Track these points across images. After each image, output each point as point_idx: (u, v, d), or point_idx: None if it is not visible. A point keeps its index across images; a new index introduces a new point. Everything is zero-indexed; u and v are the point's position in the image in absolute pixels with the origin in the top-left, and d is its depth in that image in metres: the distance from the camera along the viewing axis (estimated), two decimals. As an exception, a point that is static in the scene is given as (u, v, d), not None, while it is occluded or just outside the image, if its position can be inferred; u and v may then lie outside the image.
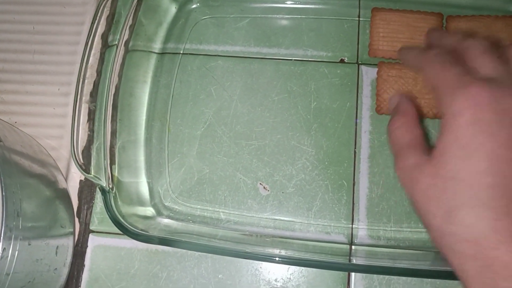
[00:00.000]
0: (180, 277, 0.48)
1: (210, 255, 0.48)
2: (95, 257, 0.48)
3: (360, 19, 0.53)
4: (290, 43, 0.52)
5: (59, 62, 0.55)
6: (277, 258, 0.43)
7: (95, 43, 0.48)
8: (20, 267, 0.38)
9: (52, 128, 0.52)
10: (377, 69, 0.50)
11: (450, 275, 0.42)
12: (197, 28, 0.54)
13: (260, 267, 0.47)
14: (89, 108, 0.47)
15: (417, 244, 0.47)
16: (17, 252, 0.38)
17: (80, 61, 0.45)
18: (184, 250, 0.48)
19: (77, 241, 0.49)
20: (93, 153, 0.45)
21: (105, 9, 0.48)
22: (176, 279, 0.48)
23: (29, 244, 0.39)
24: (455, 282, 0.45)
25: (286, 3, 0.53)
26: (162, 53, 0.52)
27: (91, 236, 0.49)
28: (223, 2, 0.54)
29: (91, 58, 0.48)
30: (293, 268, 0.47)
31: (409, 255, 0.47)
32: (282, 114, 0.51)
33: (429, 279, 0.46)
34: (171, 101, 0.52)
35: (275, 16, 0.53)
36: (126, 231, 0.42)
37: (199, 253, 0.48)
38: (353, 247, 0.47)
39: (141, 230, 0.44)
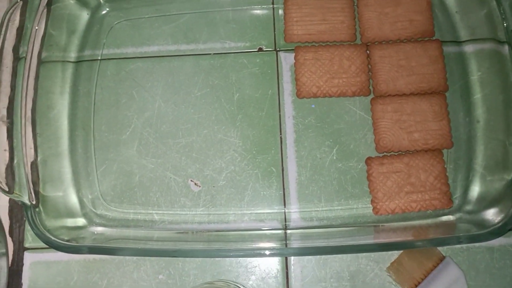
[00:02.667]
0: (120, 282, 0.47)
1: (148, 257, 0.48)
2: (32, 274, 0.48)
3: (274, 5, 0.53)
4: (207, 37, 0.53)
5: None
6: (213, 252, 0.43)
7: (8, 56, 0.47)
8: None
9: (-25, 149, 0.51)
10: (294, 54, 0.51)
11: (383, 247, 0.44)
12: (113, 33, 0.53)
13: (200, 263, 0.48)
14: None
15: (349, 221, 0.48)
16: None
17: (-11, 78, 0.44)
18: (122, 256, 0.48)
19: (12, 260, 0.48)
20: (15, 170, 0.44)
21: (13, 21, 0.47)
22: (116, 285, 0.47)
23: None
24: (388, 253, 0.47)
25: (200, -2, 0.53)
26: (78, 62, 0.52)
27: (26, 253, 0.48)
28: (137, 4, 0.53)
29: (4, 73, 0.47)
30: (232, 259, 0.48)
31: (342, 232, 0.48)
32: (207, 109, 0.51)
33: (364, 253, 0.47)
34: (94, 108, 0.51)
35: (190, 12, 0.53)
36: (52, 245, 0.42)
37: (137, 257, 0.48)
38: (287, 231, 0.48)
39: (72, 241, 0.43)
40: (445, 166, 0.48)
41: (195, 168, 0.49)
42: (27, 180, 0.43)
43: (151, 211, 0.49)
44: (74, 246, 0.42)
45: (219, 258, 0.48)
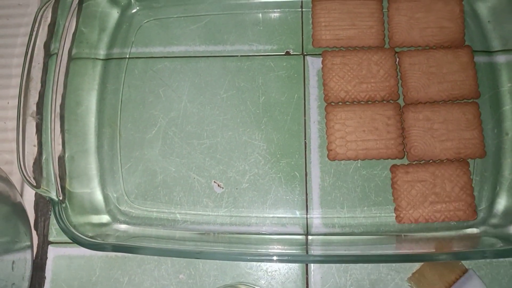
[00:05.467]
0: (141, 280, 0.48)
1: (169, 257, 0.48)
2: (56, 268, 0.49)
3: (303, 9, 0.53)
4: (235, 39, 0.53)
5: (8, 75, 0.55)
6: (235, 256, 0.44)
7: (40, 53, 0.48)
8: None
9: (4, 142, 0.52)
10: (321, 58, 0.50)
11: (405, 258, 0.44)
12: (141, 31, 0.53)
13: (220, 265, 0.48)
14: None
15: (372, 229, 0.48)
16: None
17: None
18: (145, 255, 0.48)
19: (36, 253, 0.49)
20: (43, 166, 0.45)
21: (46, 18, 0.48)
22: (137, 282, 0.48)
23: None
24: (410, 264, 0.46)
25: (229, 0, 0.53)
26: (107, 59, 0.52)
27: (50, 247, 0.49)
28: (166, 3, 0.53)
29: (35, 69, 0.48)
30: (252, 262, 0.48)
31: (364, 241, 0.47)
32: (232, 111, 0.51)
33: (385, 262, 0.47)
34: (120, 106, 0.52)
35: (219, 13, 0.53)
36: (77, 241, 0.42)
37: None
38: (309, 237, 0.48)
39: (97, 238, 0.44)
40: (471, 177, 0.47)
41: (218, 170, 0.50)
42: (55, 176, 0.43)
43: (173, 211, 0.49)
44: (98, 243, 0.43)
45: (237, 262, 0.48)
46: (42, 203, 0.50)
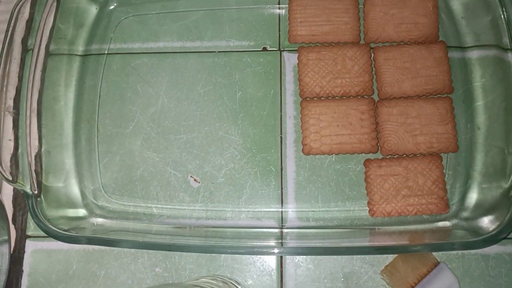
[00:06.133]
0: (118, 273, 0.48)
1: (146, 250, 0.48)
2: (33, 262, 0.49)
3: (280, 5, 0.53)
4: (212, 35, 0.53)
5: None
6: (208, 248, 0.44)
7: (18, 48, 0.48)
8: None
9: (-17, 138, 0.52)
10: (297, 54, 0.51)
11: (378, 250, 0.44)
12: (120, 27, 0.54)
13: (196, 258, 0.48)
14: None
15: (346, 223, 0.48)
16: None
17: (-2, 69, 0.45)
18: (120, 248, 0.48)
19: (14, 247, 0.49)
20: (19, 160, 0.45)
21: (23, 14, 0.48)
22: (114, 276, 0.48)
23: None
24: (383, 256, 0.47)
25: (207, -4, 0.54)
26: (85, 55, 0.53)
27: (28, 241, 0.50)
28: (144, 0, 0.54)
29: (12, 64, 0.48)
30: (228, 255, 0.48)
31: (338, 234, 0.48)
32: (209, 106, 0.51)
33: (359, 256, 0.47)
34: (99, 101, 0.52)
35: (196, 9, 0.54)
36: (51, 234, 0.43)
37: (135, 249, 0.49)
38: (284, 230, 0.48)
39: (72, 231, 0.44)
40: (444, 171, 0.48)
41: (195, 164, 0.50)
42: (30, 170, 0.44)
43: (150, 205, 0.50)
44: (72, 236, 0.43)
45: (215, 254, 0.48)
46: (20, 197, 0.51)
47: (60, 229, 0.43)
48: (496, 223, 0.42)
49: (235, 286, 0.46)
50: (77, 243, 0.44)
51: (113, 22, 0.54)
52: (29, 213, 0.50)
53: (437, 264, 0.46)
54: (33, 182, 0.44)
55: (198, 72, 0.52)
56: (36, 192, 0.44)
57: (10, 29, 0.47)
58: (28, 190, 0.43)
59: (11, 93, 0.48)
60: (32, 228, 0.50)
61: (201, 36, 0.53)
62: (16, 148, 0.47)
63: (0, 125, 0.45)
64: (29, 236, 0.50)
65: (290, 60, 0.52)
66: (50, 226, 0.43)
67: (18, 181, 0.44)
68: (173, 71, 0.52)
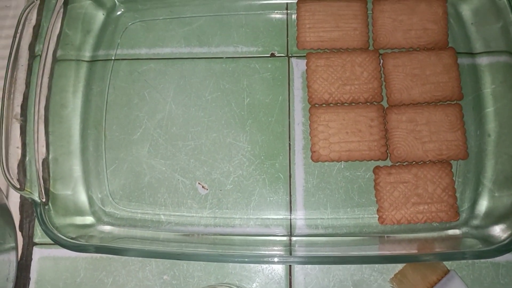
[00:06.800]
0: (125, 281, 0.48)
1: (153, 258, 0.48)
2: (41, 269, 0.49)
3: (288, 11, 0.53)
4: (220, 41, 0.53)
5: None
6: (217, 257, 0.44)
7: (25, 54, 0.48)
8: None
9: (-10, 144, 0.52)
10: (306, 60, 0.51)
11: (388, 259, 0.44)
12: (127, 33, 0.54)
13: (204, 266, 0.48)
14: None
15: (355, 230, 0.48)
16: None
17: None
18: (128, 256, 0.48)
19: (21, 255, 0.49)
20: (27, 168, 0.45)
21: (30, 20, 0.48)
22: (122, 283, 0.48)
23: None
24: (393, 264, 0.47)
25: (214, 1, 0.53)
26: (93, 61, 0.52)
27: (35, 248, 0.49)
28: (152, 5, 0.54)
29: (20, 70, 0.48)
30: (236, 264, 0.48)
31: (347, 242, 0.48)
32: (217, 113, 0.51)
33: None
34: (106, 108, 0.52)
35: (204, 15, 0.53)
36: (59, 243, 0.42)
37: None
38: (293, 238, 0.48)
39: (80, 239, 0.44)
40: (454, 178, 0.47)
41: (203, 171, 0.50)
42: (38, 178, 0.44)
43: (158, 212, 0.49)
44: (80, 245, 0.43)
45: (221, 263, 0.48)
46: (27, 204, 0.51)
47: (68, 237, 0.43)
48: (508, 231, 0.41)
49: (244, 294, 0.46)
50: (85, 251, 0.43)
51: (120, 28, 0.54)
52: (36, 221, 0.49)
53: (447, 272, 0.46)
54: (41, 190, 0.44)
55: (206, 78, 0.52)
56: (44, 200, 0.44)
57: (18, 35, 0.47)
58: (36, 198, 0.43)
59: (19, 99, 0.48)
60: (39, 235, 0.50)
61: (208, 42, 0.53)
62: (23, 155, 0.47)
63: (7, 132, 0.45)
64: (36, 243, 0.50)
65: (299, 66, 0.52)
66: (59, 234, 0.43)
67: (26, 188, 0.44)
68: (180, 77, 0.52)
